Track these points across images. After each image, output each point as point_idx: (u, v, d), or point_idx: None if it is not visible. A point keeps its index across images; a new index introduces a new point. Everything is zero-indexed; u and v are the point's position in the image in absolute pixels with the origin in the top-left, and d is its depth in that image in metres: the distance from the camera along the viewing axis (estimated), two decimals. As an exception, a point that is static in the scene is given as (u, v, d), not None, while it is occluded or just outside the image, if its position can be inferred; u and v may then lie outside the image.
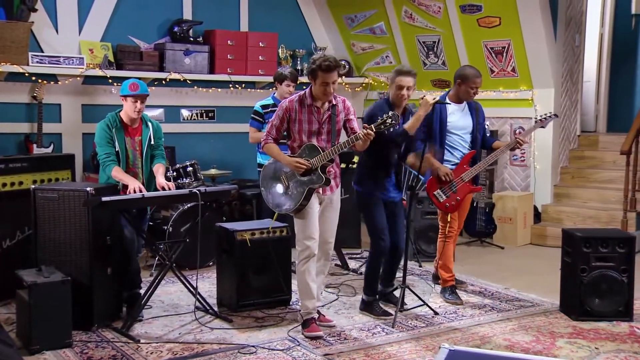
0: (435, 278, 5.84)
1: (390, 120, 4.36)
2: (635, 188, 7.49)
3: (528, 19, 7.54)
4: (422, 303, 5.11)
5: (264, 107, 6.40)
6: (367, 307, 5.09)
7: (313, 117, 4.62)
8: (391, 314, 4.98)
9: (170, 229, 6.28)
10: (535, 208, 7.92)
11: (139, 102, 5.02)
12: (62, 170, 5.83)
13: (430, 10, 8.16)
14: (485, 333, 4.70)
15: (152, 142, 5.14)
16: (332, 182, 4.68)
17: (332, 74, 4.48)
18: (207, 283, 5.85)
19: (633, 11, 9.35)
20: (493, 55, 7.97)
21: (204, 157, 7.64)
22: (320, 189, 4.62)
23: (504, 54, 7.90)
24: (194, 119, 8.30)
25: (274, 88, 6.62)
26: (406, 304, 5.11)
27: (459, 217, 5.71)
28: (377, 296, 5.17)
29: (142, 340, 4.56)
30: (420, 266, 6.54)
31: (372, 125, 4.40)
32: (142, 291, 5.18)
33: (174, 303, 5.43)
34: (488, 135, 6.03)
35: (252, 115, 6.43)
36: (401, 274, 5.13)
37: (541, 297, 5.58)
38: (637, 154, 7.53)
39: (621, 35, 9.40)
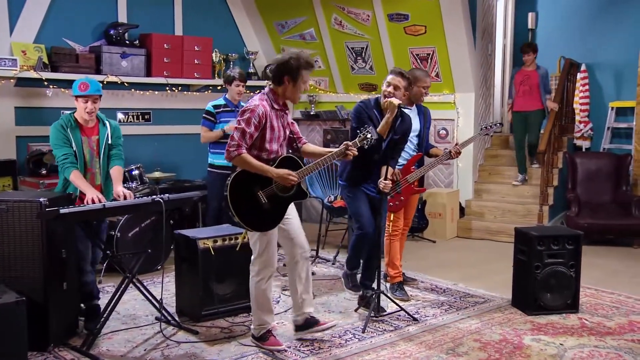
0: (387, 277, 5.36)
1: (370, 135, 3.84)
2: (547, 184, 7.33)
3: (452, 28, 7.19)
4: (400, 308, 4.56)
5: (215, 107, 5.80)
6: (345, 278, 4.92)
7: (280, 123, 3.85)
8: (359, 290, 4.74)
9: (119, 234, 5.46)
10: (460, 203, 7.60)
11: (89, 102, 4.18)
12: (3, 177, 4.92)
13: (359, 18, 7.66)
14: (454, 335, 4.23)
15: (110, 142, 4.32)
16: None
17: (311, 71, 3.80)
18: (160, 289, 5.05)
19: (529, 26, 9.29)
20: (418, 61, 7.57)
21: (140, 159, 6.78)
22: None
23: (429, 60, 7.51)
24: (130, 122, 7.41)
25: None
26: (383, 308, 4.57)
27: (406, 217, 5.27)
28: (356, 271, 4.89)
29: (105, 361, 3.80)
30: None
31: (356, 141, 3.86)
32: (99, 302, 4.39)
33: (131, 314, 4.64)
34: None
35: (204, 115, 5.80)
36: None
37: (489, 292, 5.20)
38: (549, 153, 7.39)
39: (520, 47, 9.28)
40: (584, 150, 8.54)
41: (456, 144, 5.19)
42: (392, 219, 5.06)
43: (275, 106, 3.81)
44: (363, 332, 4.22)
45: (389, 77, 4.47)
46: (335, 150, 3.89)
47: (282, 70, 3.76)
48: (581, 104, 8.60)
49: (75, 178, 4.09)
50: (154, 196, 4.15)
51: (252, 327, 4.04)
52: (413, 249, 6.76)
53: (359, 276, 4.90)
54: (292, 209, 3.99)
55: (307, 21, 8.06)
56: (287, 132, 3.93)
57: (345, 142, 3.87)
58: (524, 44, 7.81)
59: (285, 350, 3.92)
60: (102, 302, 4.44)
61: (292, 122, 4.01)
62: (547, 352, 3.96)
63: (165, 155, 7.50)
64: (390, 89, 4.42)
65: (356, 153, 3.86)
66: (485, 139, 8.23)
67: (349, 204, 4.71)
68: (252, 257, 3.91)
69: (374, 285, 4.55)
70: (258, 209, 3.75)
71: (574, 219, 7.05)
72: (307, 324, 4.07)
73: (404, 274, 5.40)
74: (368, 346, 4.00)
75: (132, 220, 5.59)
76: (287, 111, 3.93)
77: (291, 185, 3.76)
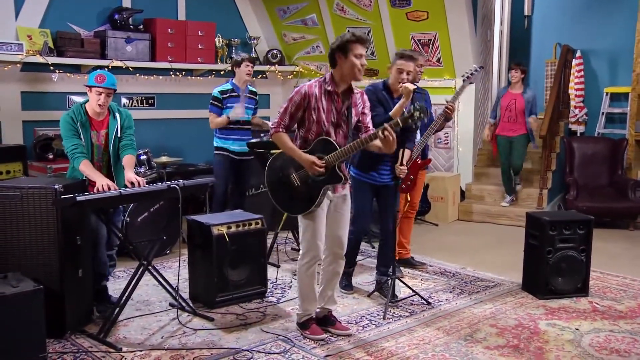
0: (406, 262, 5.22)
1: (418, 112, 3.38)
2: (546, 168, 7.19)
3: (453, 14, 6.99)
4: (414, 293, 4.41)
5: (222, 92, 5.58)
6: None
7: (332, 106, 3.54)
8: (351, 290, 4.56)
9: (128, 219, 5.25)
10: (460, 187, 7.45)
11: (103, 95, 3.95)
12: (13, 162, 4.70)
13: (361, 4, 7.43)
14: (470, 320, 4.08)
15: (120, 135, 4.10)
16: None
17: (364, 46, 3.48)
18: (171, 274, 4.86)
19: (525, 13, 9.13)
20: (420, 46, 7.37)
21: (144, 144, 6.50)
22: (332, 187, 3.65)
23: (430, 46, 7.31)
24: (134, 106, 7.16)
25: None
26: (396, 295, 4.41)
27: (413, 200, 5.16)
28: (352, 269, 4.67)
29: (124, 349, 3.61)
30: (372, 247, 5.86)
31: (398, 120, 3.46)
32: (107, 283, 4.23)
33: (144, 299, 4.45)
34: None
35: (211, 101, 5.60)
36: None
37: (497, 275, 5.07)
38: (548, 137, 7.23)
39: (516, 33, 9.12)
40: (578, 134, 8.41)
41: (446, 102, 4.84)
42: (408, 199, 4.95)
43: (328, 88, 3.53)
44: (384, 318, 4.06)
45: (401, 63, 4.17)
46: (369, 133, 3.56)
47: (333, 50, 3.52)
48: (576, 90, 8.45)
49: (85, 168, 3.89)
50: (170, 182, 3.94)
51: (297, 313, 3.87)
52: (417, 232, 6.55)
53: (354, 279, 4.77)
54: (346, 205, 3.75)
55: (308, 6, 7.82)
56: (349, 118, 3.60)
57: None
58: (513, 62, 7.33)
59: (324, 340, 3.71)
60: (113, 286, 4.27)
61: (363, 113, 3.68)
62: (564, 337, 3.83)
63: (169, 140, 7.28)
64: (404, 75, 4.19)
65: (394, 135, 3.41)
66: (485, 124, 8.05)
67: (353, 196, 4.34)
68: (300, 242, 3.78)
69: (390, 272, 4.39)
70: (291, 191, 3.63)
71: (572, 202, 6.91)
72: (324, 321, 3.88)
73: (412, 257, 5.27)
74: (386, 332, 3.85)
75: (141, 206, 5.38)
76: (348, 97, 3.60)
77: (315, 174, 3.53)
